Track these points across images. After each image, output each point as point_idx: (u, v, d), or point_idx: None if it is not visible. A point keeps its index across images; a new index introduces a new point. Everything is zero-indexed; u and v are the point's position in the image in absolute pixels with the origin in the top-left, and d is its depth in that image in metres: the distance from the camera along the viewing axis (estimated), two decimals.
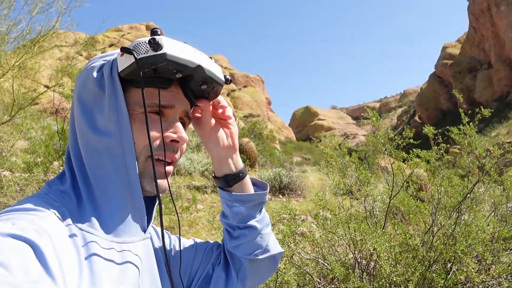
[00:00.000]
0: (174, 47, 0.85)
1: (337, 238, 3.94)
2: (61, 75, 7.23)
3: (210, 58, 0.96)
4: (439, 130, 3.89)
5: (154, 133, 0.87)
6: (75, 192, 0.83)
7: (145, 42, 0.83)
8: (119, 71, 0.86)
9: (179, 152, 0.96)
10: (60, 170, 5.93)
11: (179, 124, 0.92)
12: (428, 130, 3.78)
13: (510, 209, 4.14)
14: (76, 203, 0.82)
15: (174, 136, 0.91)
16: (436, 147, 3.90)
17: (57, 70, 7.32)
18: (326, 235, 3.91)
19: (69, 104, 7.17)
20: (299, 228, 4.20)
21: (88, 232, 0.77)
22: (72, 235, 0.73)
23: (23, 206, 0.73)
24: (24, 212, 0.71)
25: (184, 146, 0.97)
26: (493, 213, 4.23)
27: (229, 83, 1.02)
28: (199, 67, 0.89)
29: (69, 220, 0.76)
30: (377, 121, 3.98)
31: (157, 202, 0.96)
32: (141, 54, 0.83)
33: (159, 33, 0.85)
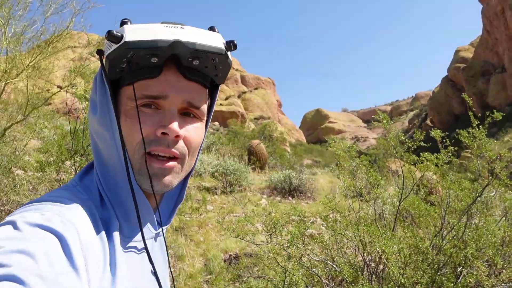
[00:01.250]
0: (136, 32, 0.76)
1: (346, 240, 3.93)
2: (74, 76, 7.32)
3: (212, 29, 0.87)
4: (453, 135, 3.87)
5: (144, 128, 0.79)
6: (99, 187, 0.84)
7: (107, 39, 0.77)
8: (108, 75, 0.82)
9: (180, 146, 0.83)
10: (72, 169, 5.94)
11: (172, 116, 0.81)
12: (436, 133, 3.76)
13: None
14: (99, 198, 0.82)
15: (163, 129, 0.79)
16: (444, 150, 3.88)
17: (70, 71, 7.42)
18: (335, 237, 3.91)
19: (82, 105, 7.29)
20: (308, 230, 4.20)
21: (110, 228, 0.78)
22: (97, 230, 0.74)
23: (52, 197, 0.75)
24: (53, 203, 0.72)
25: (192, 140, 0.86)
26: (504, 218, 4.19)
27: (234, 49, 0.86)
28: (176, 43, 0.77)
29: (95, 214, 0.77)
30: (388, 123, 3.97)
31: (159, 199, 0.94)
32: (107, 52, 0.79)
33: (128, 23, 0.79)
